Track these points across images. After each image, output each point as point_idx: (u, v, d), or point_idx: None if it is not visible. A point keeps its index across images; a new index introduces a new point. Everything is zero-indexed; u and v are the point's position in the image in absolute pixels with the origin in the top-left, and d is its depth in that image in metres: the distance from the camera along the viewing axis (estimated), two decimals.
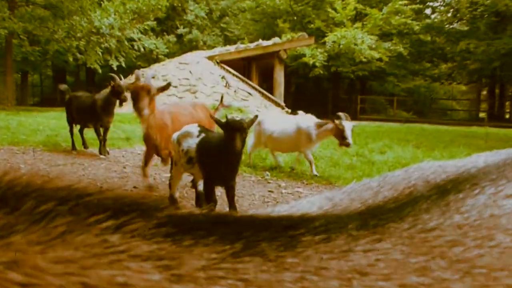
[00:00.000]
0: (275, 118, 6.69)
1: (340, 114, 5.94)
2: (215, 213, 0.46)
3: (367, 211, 0.61)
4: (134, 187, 5.33)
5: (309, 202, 0.83)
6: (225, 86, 18.05)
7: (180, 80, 18.05)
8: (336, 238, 0.46)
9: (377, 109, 28.62)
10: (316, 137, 6.10)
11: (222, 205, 4.37)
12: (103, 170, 6.36)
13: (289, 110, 20.24)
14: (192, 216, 0.44)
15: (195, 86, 17.72)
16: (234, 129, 3.41)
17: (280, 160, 7.02)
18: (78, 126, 8.19)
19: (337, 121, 5.82)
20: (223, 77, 18.17)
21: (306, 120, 6.26)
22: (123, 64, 23.32)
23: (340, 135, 5.82)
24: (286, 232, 0.44)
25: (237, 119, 3.49)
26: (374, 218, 0.54)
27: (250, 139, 6.84)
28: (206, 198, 3.72)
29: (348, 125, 5.79)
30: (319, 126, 6.08)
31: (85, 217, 0.40)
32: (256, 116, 3.77)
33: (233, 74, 19.77)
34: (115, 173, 6.19)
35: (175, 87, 17.66)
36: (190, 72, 18.60)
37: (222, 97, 6.02)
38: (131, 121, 12.23)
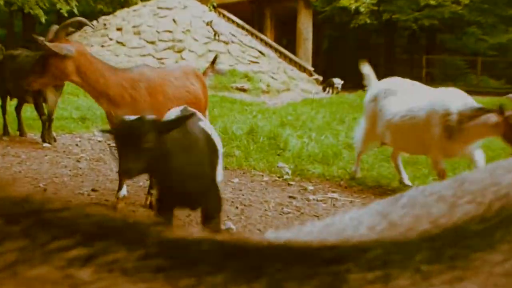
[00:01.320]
0: (405, 89, 5.61)
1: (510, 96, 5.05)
2: (225, 239, 0.47)
3: (441, 234, 0.61)
4: (93, 190, 5.39)
5: (354, 218, 0.84)
6: (214, 37, 17.96)
7: (160, 34, 18.09)
8: (398, 276, 0.46)
9: (452, 75, 28.33)
10: (465, 133, 4.90)
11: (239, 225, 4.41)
12: (47, 164, 6.44)
13: (319, 78, 20.22)
14: (194, 242, 0.45)
15: (181, 42, 17.74)
16: (119, 138, 3.04)
17: (405, 177, 6.03)
18: (15, 102, 8.26)
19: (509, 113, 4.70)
20: (209, 23, 18.04)
21: (450, 98, 5.08)
22: (76, 10, 23.36)
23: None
24: (326, 266, 0.45)
25: (133, 119, 3.05)
26: (451, 246, 0.54)
27: (359, 128, 6.24)
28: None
29: None
30: (474, 113, 4.88)
31: (44, 242, 0.41)
32: (191, 114, 3.31)
33: (238, 24, 19.77)
34: (66, 169, 6.26)
35: (152, 43, 17.72)
36: (174, 21, 18.62)
37: (215, 58, 6.02)
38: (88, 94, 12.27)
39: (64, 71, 4.38)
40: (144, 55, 17.10)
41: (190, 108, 3.83)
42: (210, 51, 17.21)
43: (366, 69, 6.24)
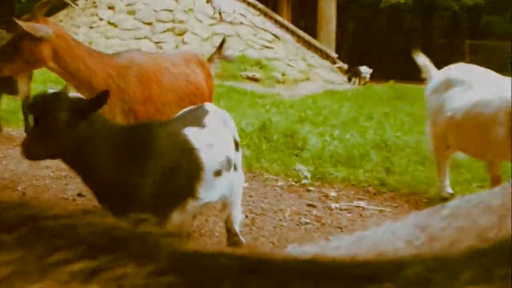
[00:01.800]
0: (474, 78, 5.41)
1: None
2: (246, 254, 0.48)
3: (489, 250, 0.61)
4: (79, 194, 5.42)
5: (388, 232, 0.85)
6: (215, 15, 17.87)
7: (157, 13, 18.12)
8: None
9: (499, 63, 28.15)
10: None
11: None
12: (26, 165, 6.48)
13: (344, 66, 20.17)
14: (211, 257, 0.46)
15: (182, 23, 17.76)
16: (31, 113, 3.17)
17: (446, 183, 5.85)
18: None
19: None
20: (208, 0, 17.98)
21: None
22: None
23: None
24: (359, 285, 0.46)
25: (50, 92, 3.06)
26: (501, 264, 0.55)
27: (427, 130, 5.91)
28: None
29: None
30: None
31: (43, 254, 0.42)
32: (104, 93, 3.14)
33: (248, 3, 19.75)
34: (47, 170, 6.29)
35: (149, 24, 17.74)
36: None
37: (223, 42, 6.02)
38: None
39: (39, 56, 4.30)
40: (139, 38, 17.13)
41: (209, 106, 3.85)
42: (216, 34, 17.20)
43: (421, 58, 6.05)
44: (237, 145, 3.89)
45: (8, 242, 0.44)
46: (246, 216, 5.03)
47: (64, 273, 0.42)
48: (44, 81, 12.06)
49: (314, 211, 5.30)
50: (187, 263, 0.46)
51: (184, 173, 3.30)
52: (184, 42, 16.97)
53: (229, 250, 0.51)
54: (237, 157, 3.89)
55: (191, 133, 3.40)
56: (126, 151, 3.17)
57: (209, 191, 3.45)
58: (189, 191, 3.35)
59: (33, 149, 3.01)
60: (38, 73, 13.11)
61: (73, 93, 3.13)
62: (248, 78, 15.60)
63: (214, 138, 3.51)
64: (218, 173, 3.49)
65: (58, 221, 0.47)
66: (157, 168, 3.19)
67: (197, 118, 3.55)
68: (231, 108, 10.43)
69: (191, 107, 4.00)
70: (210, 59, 5.74)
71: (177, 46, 16.55)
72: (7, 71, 4.45)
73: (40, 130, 2.99)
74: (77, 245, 0.44)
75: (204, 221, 4.87)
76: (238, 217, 4.07)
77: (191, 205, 3.41)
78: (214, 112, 3.74)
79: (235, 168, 3.81)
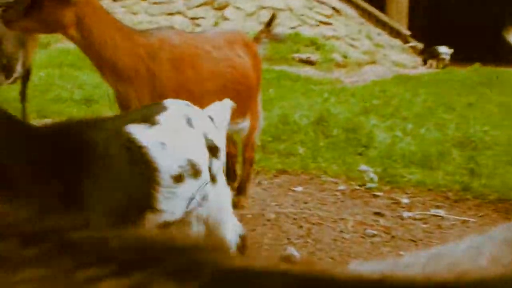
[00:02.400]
0: None
1: None
2: (302, 271, 0.49)
3: None
4: None
5: (473, 247, 0.85)
6: None
7: None
8: None
9: None
10: None
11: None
12: None
13: (418, 45, 19.94)
14: (261, 275, 0.47)
15: None
16: None
17: None
18: None
19: None
20: None
21: None
22: None
23: None
24: None
25: None
26: None
27: None
28: None
29: None
30: None
31: (71, 271, 0.45)
32: None
33: None
34: None
35: None
36: None
37: (272, 18, 6.02)
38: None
39: (60, 19, 4.29)
40: (171, 14, 17.19)
41: (170, 102, 3.70)
42: (263, 7, 17.16)
43: None
44: (214, 151, 3.67)
45: (31, 257, 0.46)
46: (301, 227, 5.05)
47: None
48: (60, 64, 12.24)
49: (382, 221, 5.30)
50: (233, 282, 0.48)
51: (134, 178, 3.23)
52: (225, 18, 16.99)
53: (283, 267, 0.52)
54: (216, 166, 3.70)
55: (135, 130, 3.29)
56: (47, 160, 3.08)
57: (171, 201, 3.34)
58: (145, 201, 3.26)
59: None
60: (53, 55, 13.33)
61: None
62: (301, 60, 15.53)
63: (168, 138, 3.39)
64: (179, 179, 3.35)
65: (85, 234, 0.49)
66: (94, 178, 3.11)
67: (146, 115, 3.45)
68: (282, 97, 10.42)
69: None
70: (256, 39, 5.74)
71: (216, 23, 16.58)
72: (19, 26, 4.50)
73: None
74: (108, 261, 0.46)
75: (251, 231, 4.89)
76: (233, 240, 3.96)
77: (152, 221, 3.28)
78: (175, 109, 3.60)
79: (213, 179, 3.65)
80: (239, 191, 5.47)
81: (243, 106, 4.95)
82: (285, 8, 17.28)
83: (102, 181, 3.12)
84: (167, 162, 3.28)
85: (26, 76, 8.11)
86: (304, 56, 15.59)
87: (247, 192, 5.53)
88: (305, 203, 5.66)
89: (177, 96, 4.53)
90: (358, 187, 6.19)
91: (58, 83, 10.08)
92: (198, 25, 16.50)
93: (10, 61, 7.45)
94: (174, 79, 4.60)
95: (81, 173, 3.09)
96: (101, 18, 4.47)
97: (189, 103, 3.72)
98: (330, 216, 5.36)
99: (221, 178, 3.81)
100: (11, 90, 8.85)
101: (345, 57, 16.36)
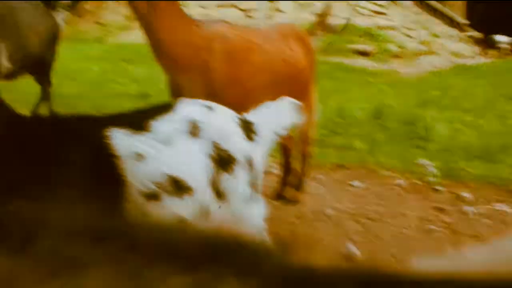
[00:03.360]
0: None
1: None
2: (362, 268, 0.48)
3: None
4: None
5: None
6: None
7: None
8: None
9: None
10: None
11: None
12: None
13: (476, 35, 19.77)
14: (322, 272, 0.47)
15: None
16: None
17: None
18: None
19: None
20: None
21: None
22: None
23: None
24: None
25: None
26: None
27: None
28: None
29: None
30: None
31: (139, 268, 0.44)
32: None
33: None
34: None
35: None
36: None
37: (326, 9, 6.01)
38: (149, 59, 12.48)
39: None
40: (224, 6, 17.36)
41: (184, 105, 3.43)
42: None
43: None
44: (225, 164, 3.31)
45: (99, 255, 0.46)
46: (359, 222, 5.03)
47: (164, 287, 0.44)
48: (115, 59, 12.42)
49: (444, 216, 5.26)
50: (296, 279, 0.47)
51: (100, 191, 2.96)
52: (278, 10, 17.09)
53: (344, 266, 0.51)
54: (227, 181, 3.32)
55: (117, 136, 3.07)
56: (18, 151, 3.03)
57: (140, 218, 3.08)
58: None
59: None
60: (108, 50, 13.56)
61: None
62: (356, 52, 15.54)
63: (150, 148, 3.13)
64: (152, 197, 3.07)
65: (153, 233, 0.49)
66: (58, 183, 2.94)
67: (140, 119, 3.24)
68: (338, 89, 10.43)
69: (159, 103, 3.78)
70: (311, 31, 5.74)
71: (269, 15, 16.67)
72: None
73: None
74: (175, 259, 0.46)
75: (309, 227, 4.89)
76: None
77: None
78: (181, 112, 3.33)
79: (220, 196, 3.30)
80: (297, 186, 5.49)
81: (298, 100, 4.96)
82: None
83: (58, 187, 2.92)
84: (139, 177, 3.02)
85: (38, 72, 8.06)
86: (359, 47, 15.58)
87: (305, 188, 5.54)
88: (363, 198, 5.66)
89: (230, 90, 4.57)
90: (417, 182, 6.15)
91: (114, 78, 10.23)
92: (250, 17, 16.62)
93: None
94: (227, 72, 4.62)
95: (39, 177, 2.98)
96: (170, 2, 4.49)
97: (210, 104, 3.51)
98: (389, 211, 5.34)
99: (238, 194, 3.37)
100: (69, 87, 9.04)
101: (401, 47, 16.31)
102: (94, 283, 0.43)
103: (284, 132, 3.76)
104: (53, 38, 7.86)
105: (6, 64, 7.43)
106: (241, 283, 0.45)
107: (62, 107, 8.68)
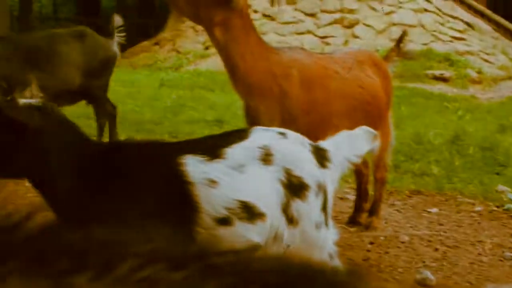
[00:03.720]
0: None
1: None
2: None
3: None
4: None
5: None
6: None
7: (322, 2, 18.25)
8: None
9: None
10: None
11: None
12: None
13: None
14: None
15: (352, 13, 17.79)
16: None
17: None
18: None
19: None
20: None
21: None
22: None
23: None
24: None
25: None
26: None
27: None
28: None
29: None
30: None
31: None
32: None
33: None
34: None
35: (312, 15, 17.94)
36: None
37: (402, 35, 5.98)
38: (225, 86, 12.60)
39: (212, 15, 4.41)
40: (301, 33, 17.35)
41: (258, 132, 3.46)
42: (394, 24, 17.07)
43: None
44: (297, 190, 3.32)
45: (177, 281, 0.48)
46: (436, 249, 4.98)
47: None
48: (192, 86, 12.57)
49: None
50: None
51: (172, 216, 3.07)
52: (354, 36, 17.00)
53: None
54: (298, 207, 3.32)
55: (191, 163, 3.15)
56: (94, 177, 3.16)
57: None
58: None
59: None
60: (185, 77, 13.75)
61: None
62: (434, 77, 15.33)
63: (223, 175, 3.18)
64: (224, 222, 3.13)
65: (228, 258, 0.52)
66: (133, 208, 3.07)
67: (214, 146, 3.28)
68: (415, 115, 10.33)
69: (232, 130, 3.79)
70: (387, 58, 5.72)
71: (346, 42, 16.62)
72: (185, 7, 4.57)
73: None
74: (250, 284, 0.48)
75: (384, 254, 4.86)
76: None
77: None
78: (254, 140, 3.33)
79: (292, 221, 3.31)
80: (371, 212, 5.45)
81: (373, 126, 4.94)
82: (416, 24, 17.14)
83: (136, 209, 3.05)
84: (212, 203, 3.10)
85: (95, 102, 8.09)
86: (437, 72, 15.39)
87: (380, 213, 5.50)
88: (441, 225, 5.57)
89: (307, 117, 4.59)
90: (496, 208, 6.05)
91: (190, 104, 10.37)
92: (327, 43, 16.59)
93: (11, 83, 7.04)
94: (304, 99, 4.62)
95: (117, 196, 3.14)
96: (249, 31, 4.55)
97: (284, 130, 3.54)
98: (466, 238, 5.25)
99: (310, 220, 3.39)
100: (147, 113, 9.20)
101: (479, 72, 16.02)
102: None
103: (357, 160, 3.75)
104: (101, 69, 7.83)
105: (38, 95, 7.57)
106: None
107: (140, 133, 8.84)
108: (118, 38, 8.18)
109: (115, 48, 8.13)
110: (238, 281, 0.49)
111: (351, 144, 3.65)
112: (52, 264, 0.50)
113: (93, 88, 7.75)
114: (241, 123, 9.54)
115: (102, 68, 7.83)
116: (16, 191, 5.32)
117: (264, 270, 0.51)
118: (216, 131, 9.55)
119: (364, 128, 3.90)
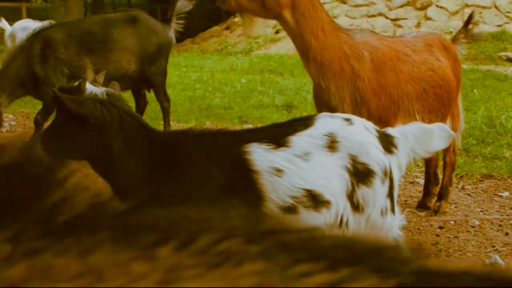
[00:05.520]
0: None
1: None
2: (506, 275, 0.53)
3: None
4: None
5: None
6: None
7: None
8: None
9: None
10: None
11: None
12: None
13: None
14: (459, 276, 0.52)
15: None
16: None
17: None
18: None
19: None
20: None
21: None
22: None
23: None
24: None
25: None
26: None
27: None
28: None
29: None
30: None
31: (286, 265, 0.52)
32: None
33: None
34: None
35: None
36: None
37: (470, 17, 5.87)
38: (295, 70, 12.59)
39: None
40: (372, 16, 17.15)
41: (324, 118, 3.43)
42: (467, 5, 16.68)
43: None
44: (363, 177, 3.30)
45: (253, 254, 0.53)
46: (507, 234, 4.93)
47: (307, 284, 0.50)
48: (261, 70, 12.55)
49: None
50: (432, 282, 0.52)
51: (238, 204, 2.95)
52: (427, 18, 16.72)
53: (482, 271, 0.55)
54: (363, 193, 3.32)
55: (256, 151, 3.17)
56: (159, 166, 3.25)
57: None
58: None
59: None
60: (255, 62, 13.75)
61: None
62: (508, 59, 14.99)
63: (289, 163, 3.19)
64: (290, 210, 3.16)
65: (296, 234, 0.57)
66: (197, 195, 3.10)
67: (279, 134, 3.27)
68: (487, 98, 10.13)
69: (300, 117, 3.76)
70: (455, 40, 5.65)
71: (418, 24, 16.36)
72: (233, 3, 4.55)
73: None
74: (320, 258, 0.52)
75: (453, 238, 4.83)
76: None
77: None
78: (320, 126, 3.31)
79: (357, 208, 3.32)
80: (440, 196, 5.41)
81: (443, 109, 4.92)
82: (490, 6, 16.74)
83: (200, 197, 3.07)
84: (278, 192, 3.12)
85: (145, 88, 8.18)
86: (511, 54, 15.03)
87: (449, 198, 5.45)
88: None
89: (378, 99, 4.57)
90: None
91: (260, 89, 10.39)
92: (399, 26, 16.36)
93: (71, 68, 7.38)
94: (375, 81, 4.60)
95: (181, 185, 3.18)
96: (316, 8, 4.52)
97: (350, 116, 3.52)
98: None
99: (375, 206, 3.38)
100: (217, 98, 9.29)
101: None
102: (248, 276, 0.50)
103: (425, 155, 3.72)
104: (155, 54, 7.83)
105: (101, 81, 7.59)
106: (380, 282, 0.49)
107: (209, 118, 8.90)
108: (175, 24, 8.14)
109: (170, 34, 8.11)
110: (309, 255, 0.53)
111: (422, 138, 3.57)
112: (139, 236, 0.55)
113: (149, 73, 7.79)
114: (310, 108, 9.58)
115: (157, 53, 7.84)
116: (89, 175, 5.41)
117: (333, 246, 0.55)
118: (285, 116, 9.55)
119: (441, 125, 3.86)
